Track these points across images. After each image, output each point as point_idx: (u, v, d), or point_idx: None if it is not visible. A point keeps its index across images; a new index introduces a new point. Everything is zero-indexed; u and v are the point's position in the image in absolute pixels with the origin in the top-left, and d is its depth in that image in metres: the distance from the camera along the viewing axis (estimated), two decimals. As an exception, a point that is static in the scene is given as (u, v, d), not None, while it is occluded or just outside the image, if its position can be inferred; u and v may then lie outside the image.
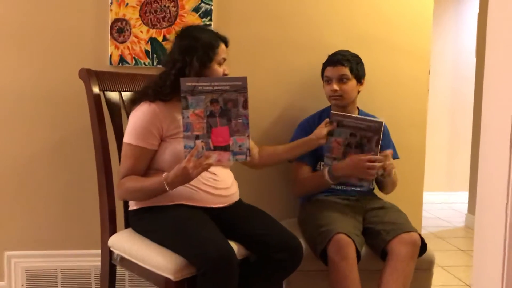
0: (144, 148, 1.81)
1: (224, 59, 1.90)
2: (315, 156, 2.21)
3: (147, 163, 1.84)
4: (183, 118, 1.67)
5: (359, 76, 2.24)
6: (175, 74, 1.81)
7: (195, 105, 1.66)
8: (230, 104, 1.66)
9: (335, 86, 2.20)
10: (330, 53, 2.29)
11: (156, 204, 1.82)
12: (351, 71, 2.21)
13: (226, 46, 1.92)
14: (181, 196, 1.81)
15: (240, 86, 1.66)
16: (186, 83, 1.66)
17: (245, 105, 1.67)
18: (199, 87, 1.65)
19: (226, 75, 1.89)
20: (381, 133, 2.00)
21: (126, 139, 1.84)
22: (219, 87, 1.66)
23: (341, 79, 2.20)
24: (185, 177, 1.68)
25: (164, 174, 1.72)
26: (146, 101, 1.84)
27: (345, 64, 2.20)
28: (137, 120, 1.84)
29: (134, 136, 1.82)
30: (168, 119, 1.83)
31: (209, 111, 1.66)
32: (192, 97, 1.65)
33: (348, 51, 2.27)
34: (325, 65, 2.27)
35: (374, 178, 2.12)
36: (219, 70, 1.87)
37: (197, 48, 1.83)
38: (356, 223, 2.08)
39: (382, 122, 2.01)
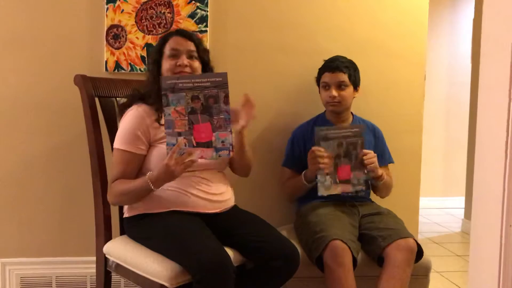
0: (132, 152, 1.82)
1: (177, 50, 1.88)
2: (297, 160, 2.26)
3: (136, 167, 1.85)
4: (164, 115, 1.67)
5: (356, 83, 2.26)
6: (148, 81, 1.92)
7: (176, 102, 1.65)
8: (211, 100, 1.65)
9: (334, 92, 2.20)
10: (325, 59, 2.29)
11: (150, 211, 1.82)
12: (349, 78, 2.22)
13: (185, 37, 1.92)
14: (174, 203, 1.81)
15: (220, 82, 1.65)
16: (166, 81, 1.66)
17: (226, 101, 1.66)
18: (180, 84, 1.65)
19: (180, 65, 1.86)
20: (363, 136, 2.07)
21: (115, 144, 1.86)
22: (199, 84, 1.65)
23: (340, 86, 2.21)
24: (169, 175, 1.68)
25: (149, 173, 1.73)
26: (134, 106, 1.88)
27: (344, 71, 2.21)
28: (125, 124, 1.86)
29: (122, 141, 1.84)
30: (155, 124, 1.84)
31: (190, 108, 1.65)
32: (173, 94, 1.65)
33: (345, 58, 2.27)
34: (323, 70, 2.27)
35: (363, 182, 2.12)
36: (167, 63, 1.88)
37: (152, 51, 1.98)
38: (352, 229, 2.08)
39: (363, 126, 2.10)
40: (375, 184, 2.21)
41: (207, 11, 2.39)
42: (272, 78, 2.49)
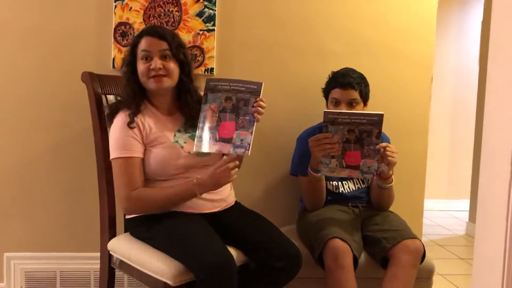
0: (132, 157, 1.78)
1: (149, 52, 1.81)
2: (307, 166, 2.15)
3: (141, 172, 1.80)
4: (201, 111, 1.76)
5: (366, 98, 2.20)
6: (125, 84, 1.89)
7: (211, 101, 1.75)
8: (241, 102, 1.74)
9: (345, 110, 2.11)
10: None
11: (150, 213, 1.82)
12: (360, 94, 2.16)
13: (156, 36, 1.83)
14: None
15: (255, 89, 1.75)
16: (209, 82, 1.76)
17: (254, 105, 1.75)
18: (219, 86, 1.75)
19: (153, 69, 1.81)
20: (381, 125, 1.92)
21: (111, 155, 1.81)
22: (235, 88, 1.75)
23: (351, 103, 2.15)
24: (215, 180, 1.73)
25: (196, 178, 1.75)
26: (120, 113, 1.83)
27: (356, 88, 2.14)
28: (115, 134, 1.81)
29: (118, 149, 1.79)
30: (146, 128, 1.82)
31: (222, 107, 1.75)
32: (212, 94, 1.75)
33: (355, 71, 2.20)
34: (333, 85, 2.19)
35: (372, 169, 1.97)
36: (141, 65, 1.83)
37: (126, 55, 1.90)
38: (354, 229, 2.06)
39: (382, 114, 1.92)
40: (382, 186, 2.13)
41: (215, 10, 2.39)
42: (279, 77, 2.49)
